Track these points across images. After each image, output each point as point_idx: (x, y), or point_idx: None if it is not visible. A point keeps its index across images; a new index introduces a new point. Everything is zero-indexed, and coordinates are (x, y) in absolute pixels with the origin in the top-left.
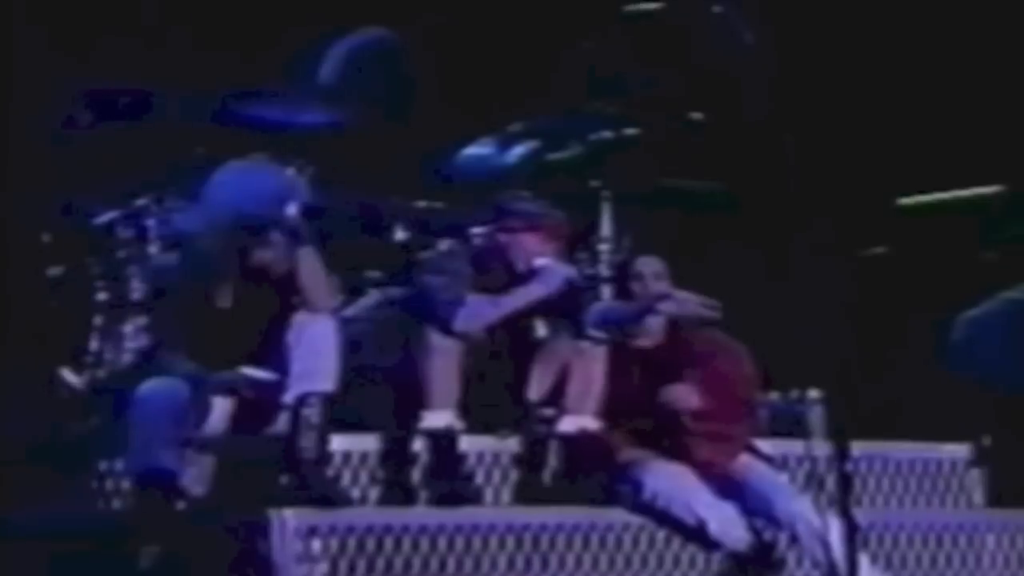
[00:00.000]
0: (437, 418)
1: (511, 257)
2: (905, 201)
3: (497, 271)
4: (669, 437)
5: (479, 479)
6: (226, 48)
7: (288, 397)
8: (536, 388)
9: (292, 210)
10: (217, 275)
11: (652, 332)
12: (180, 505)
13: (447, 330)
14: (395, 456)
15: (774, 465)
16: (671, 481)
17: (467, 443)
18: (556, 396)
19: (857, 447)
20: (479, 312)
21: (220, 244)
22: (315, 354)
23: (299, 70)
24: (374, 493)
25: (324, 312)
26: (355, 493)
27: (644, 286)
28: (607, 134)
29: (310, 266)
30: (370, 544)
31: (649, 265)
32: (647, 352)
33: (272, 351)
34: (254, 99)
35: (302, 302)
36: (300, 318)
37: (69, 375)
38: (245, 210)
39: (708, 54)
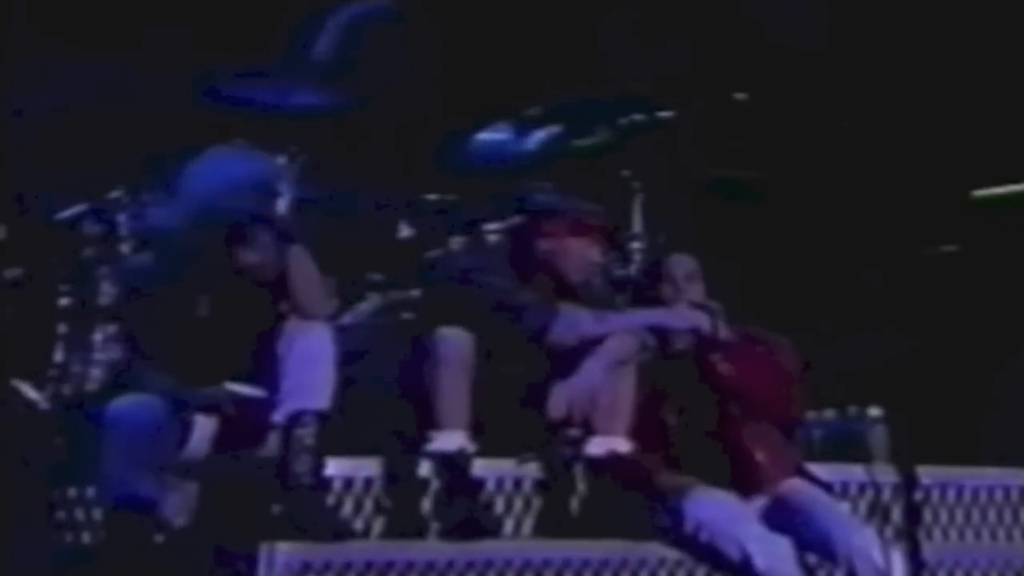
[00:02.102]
0: (447, 440)
1: (561, 267)
2: (981, 193)
3: (542, 280)
4: (711, 441)
5: (498, 508)
6: (213, 24)
7: (279, 416)
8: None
9: (280, 204)
10: (197, 277)
11: (684, 336)
12: (159, 537)
13: (539, 337)
14: (402, 483)
15: (833, 493)
16: (716, 510)
17: (485, 468)
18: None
19: (926, 473)
20: (578, 322)
21: (197, 242)
22: (308, 367)
23: (292, 45)
24: (379, 525)
25: (317, 319)
26: (357, 525)
27: (676, 289)
28: (637, 117)
29: (301, 267)
30: None
31: (682, 265)
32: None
33: (260, 363)
34: (242, 78)
35: (293, 308)
36: (290, 326)
37: (29, 390)
38: (221, 203)
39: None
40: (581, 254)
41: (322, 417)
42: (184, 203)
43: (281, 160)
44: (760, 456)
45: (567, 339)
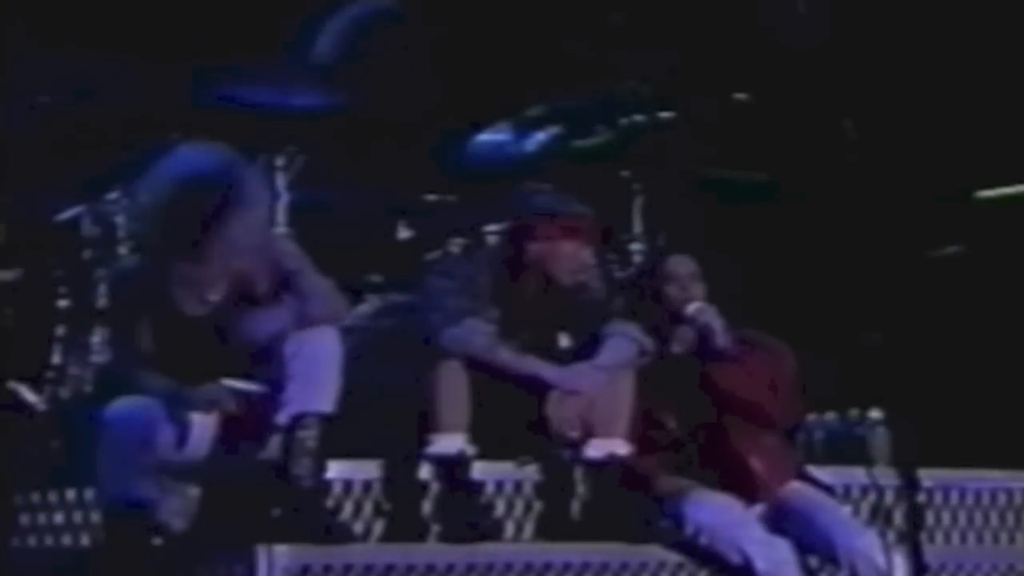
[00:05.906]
0: (447, 442)
1: (552, 269)
2: (985, 193)
3: (533, 282)
4: (708, 450)
5: (498, 510)
6: (213, 24)
7: (282, 417)
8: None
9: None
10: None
11: (684, 338)
12: (157, 540)
13: (428, 342)
14: (401, 486)
15: (834, 495)
16: (716, 514)
17: (486, 470)
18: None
19: (928, 475)
20: (468, 342)
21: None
22: (315, 369)
23: (293, 45)
24: (379, 527)
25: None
26: (357, 527)
27: (681, 288)
28: (639, 117)
29: (308, 275)
30: None
31: (684, 265)
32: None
33: (266, 363)
34: (241, 77)
35: (301, 321)
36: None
37: (27, 393)
38: (175, 198)
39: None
40: (573, 256)
41: (325, 420)
42: (141, 200)
43: (279, 160)
44: (757, 465)
45: (450, 350)
